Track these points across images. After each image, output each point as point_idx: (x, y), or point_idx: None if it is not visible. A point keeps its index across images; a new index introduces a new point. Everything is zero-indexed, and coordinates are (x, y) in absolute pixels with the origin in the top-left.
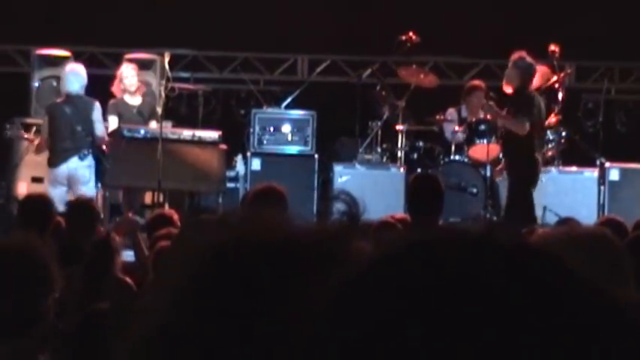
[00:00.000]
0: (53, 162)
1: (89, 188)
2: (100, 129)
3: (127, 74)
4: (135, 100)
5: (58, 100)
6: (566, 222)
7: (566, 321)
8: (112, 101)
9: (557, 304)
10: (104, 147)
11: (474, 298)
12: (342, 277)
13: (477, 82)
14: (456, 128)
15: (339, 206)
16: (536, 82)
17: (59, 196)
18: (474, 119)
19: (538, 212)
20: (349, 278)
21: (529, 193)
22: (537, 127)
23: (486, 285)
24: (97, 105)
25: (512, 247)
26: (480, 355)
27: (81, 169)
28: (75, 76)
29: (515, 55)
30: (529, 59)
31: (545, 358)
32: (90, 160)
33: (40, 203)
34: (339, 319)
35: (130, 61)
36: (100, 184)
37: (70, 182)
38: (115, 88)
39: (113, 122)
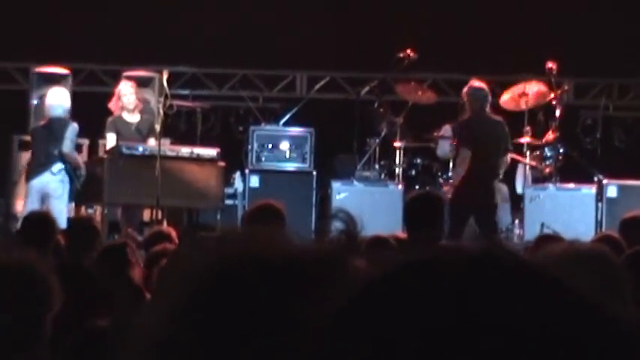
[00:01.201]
0: (28, 177)
1: (61, 202)
2: (67, 145)
3: (126, 92)
4: (133, 118)
5: (41, 123)
6: (545, 239)
7: (565, 339)
8: (110, 118)
9: (556, 323)
10: (78, 165)
11: (473, 317)
12: (340, 297)
13: None
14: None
15: (337, 225)
16: (530, 101)
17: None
18: None
19: (536, 228)
20: (347, 298)
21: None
22: (482, 153)
23: (485, 304)
24: (73, 126)
25: (512, 265)
26: None
27: (52, 182)
28: (58, 102)
29: (466, 86)
30: (477, 84)
31: None
32: (63, 176)
33: (41, 221)
34: (337, 338)
35: (129, 78)
36: (73, 201)
37: (43, 196)
38: (113, 106)
39: (111, 139)
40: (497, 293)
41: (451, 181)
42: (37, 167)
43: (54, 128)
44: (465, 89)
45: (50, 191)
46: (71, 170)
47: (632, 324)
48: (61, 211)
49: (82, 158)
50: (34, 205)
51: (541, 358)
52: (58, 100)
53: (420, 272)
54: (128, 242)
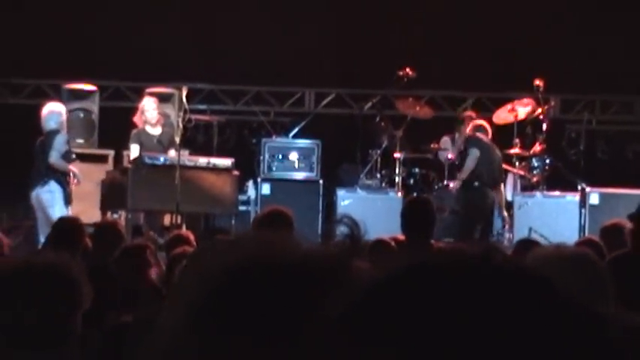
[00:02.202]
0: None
1: (58, 210)
2: (52, 156)
3: (148, 107)
4: (155, 131)
5: (39, 139)
6: (525, 243)
7: (558, 338)
8: (134, 131)
9: (549, 322)
10: (66, 171)
11: (474, 318)
12: (344, 298)
13: (468, 113)
14: (449, 156)
15: (342, 229)
16: (519, 116)
17: (39, 219)
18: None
19: (524, 233)
20: (351, 300)
21: None
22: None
23: (484, 304)
24: (60, 135)
25: (509, 269)
26: None
27: (42, 193)
28: (51, 115)
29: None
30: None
31: None
32: (51, 186)
33: (72, 225)
34: (341, 339)
35: (151, 94)
36: (68, 207)
37: (38, 207)
38: (137, 119)
39: (135, 150)
40: (495, 295)
41: (455, 183)
42: (31, 181)
43: (46, 142)
44: (470, 126)
45: (43, 202)
46: (61, 177)
47: (616, 324)
48: (56, 217)
49: (106, 167)
50: (39, 215)
51: (536, 356)
52: (50, 113)
53: (420, 275)
54: (148, 244)
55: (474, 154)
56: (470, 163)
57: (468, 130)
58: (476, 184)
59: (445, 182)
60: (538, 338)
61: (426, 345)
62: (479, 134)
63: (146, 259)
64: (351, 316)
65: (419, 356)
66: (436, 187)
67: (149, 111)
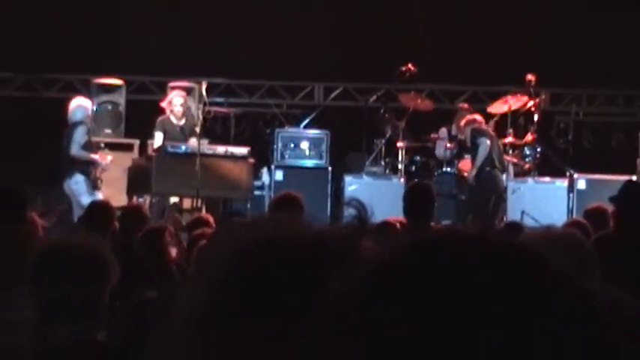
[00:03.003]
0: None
1: (87, 198)
2: (73, 148)
3: (176, 102)
4: (179, 121)
5: (65, 132)
6: (512, 225)
7: (550, 308)
8: (159, 119)
9: (543, 294)
10: (89, 160)
11: (474, 291)
12: (352, 276)
13: (463, 105)
14: (447, 145)
15: (350, 211)
16: (512, 108)
17: (73, 205)
18: (463, 137)
19: (517, 215)
20: (358, 277)
21: None
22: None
23: (484, 279)
24: (80, 127)
25: (504, 246)
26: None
27: (71, 185)
28: (78, 109)
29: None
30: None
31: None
32: (76, 177)
33: (103, 208)
34: (348, 315)
35: (174, 88)
36: (96, 192)
37: (70, 195)
38: (165, 105)
39: (159, 138)
40: (492, 269)
41: (470, 172)
42: (61, 172)
43: (68, 134)
44: (463, 122)
45: (72, 192)
46: (84, 167)
47: (603, 298)
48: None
49: (132, 155)
50: (73, 201)
51: (532, 327)
52: (76, 107)
53: (422, 252)
54: (167, 226)
55: (485, 143)
56: (482, 151)
57: (463, 122)
58: (487, 169)
59: (445, 169)
60: (534, 310)
61: (427, 320)
62: (481, 125)
63: (164, 240)
64: (356, 293)
65: (421, 330)
66: (435, 173)
67: (176, 105)
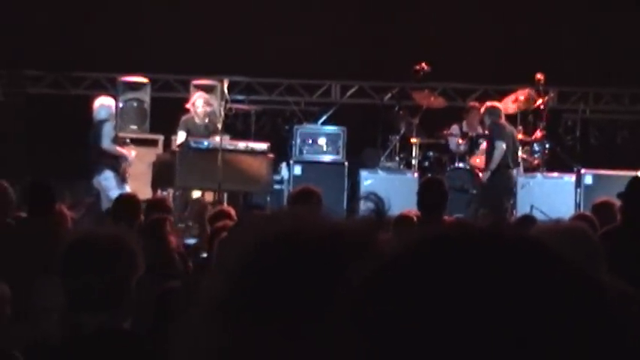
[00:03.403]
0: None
1: (115, 192)
2: (104, 143)
3: (199, 104)
4: (201, 121)
5: (91, 130)
6: (526, 218)
7: (562, 299)
8: (183, 118)
9: (558, 288)
10: (118, 154)
11: (488, 285)
12: (369, 268)
13: (473, 103)
14: (459, 141)
15: (368, 204)
16: (522, 106)
17: (102, 198)
18: (473, 134)
19: (526, 209)
20: (375, 269)
21: None
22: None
23: (498, 273)
24: (107, 123)
25: (517, 240)
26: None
27: (100, 181)
28: (102, 108)
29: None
30: (491, 104)
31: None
32: (105, 173)
33: (130, 201)
34: (366, 306)
35: (197, 86)
36: (125, 185)
37: (100, 189)
38: (189, 106)
39: (181, 136)
40: (505, 261)
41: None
42: (90, 168)
43: (96, 131)
44: (483, 109)
45: (102, 187)
46: (113, 162)
47: (612, 290)
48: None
49: (157, 150)
50: (102, 195)
51: (547, 322)
52: (100, 106)
53: (437, 246)
54: (167, 216)
55: (501, 147)
56: (497, 156)
57: (483, 109)
58: (501, 170)
59: (457, 164)
60: (547, 303)
61: (441, 313)
62: (500, 121)
63: (165, 229)
64: (371, 287)
65: (435, 323)
66: (448, 168)
67: (199, 107)
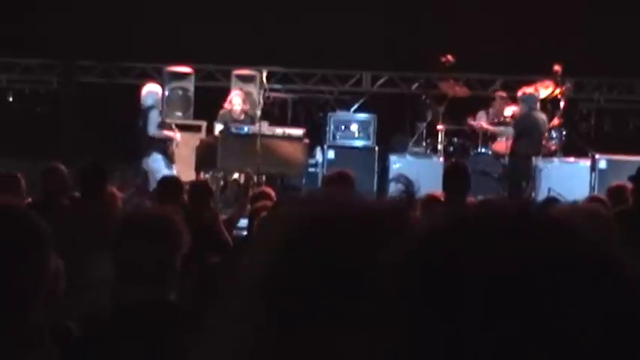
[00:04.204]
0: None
1: (167, 172)
2: (151, 129)
3: (235, 102)
4: (238, 116)
5: (140, 116)
6: (550, 200)
7: (589, 275)
8: (221, 112)
9: (582, 262)
10: (165, 138)
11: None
12: (405, 244)
13: (500, 93)
14: (484, 126)
15: (399, 186)
16: (540, 95)
17: (151, 179)
18: (496, 120)
19: (544, 192)
20: (412, 245)
21: None
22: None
23: (527, 250)
24: (153, 110)
25: (545, 220)
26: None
27: (149, 163)
28: (149, 94)
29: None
30: (529, 90)
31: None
32: (153, 156)
33: (173, 183)
34: (405, 280)
35: (238, 76)
36: (172, 166)
37: (149, 171)
38: (226, 105)
39: (219, 129)
40: (532, 239)
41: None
42: (140, 151)
43: (143, 117)
44: (520, 94)
45: (151, 169)
46: (161, 145)
47: (632, 265)
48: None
49: (200, 136)
50: (150, 177)
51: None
52: (148, 93)
53: (468, 225)
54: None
55: (504, 133)
56: (499, 132)
57: (521, 92)
58: (524, 155)
59: (480, 149)
60: (576, 277)
61: (474, 294)
62: (532, 112)
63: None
64: (405, 265)
65: (467, 304)
66: (471, 153)
67: (235, 105)
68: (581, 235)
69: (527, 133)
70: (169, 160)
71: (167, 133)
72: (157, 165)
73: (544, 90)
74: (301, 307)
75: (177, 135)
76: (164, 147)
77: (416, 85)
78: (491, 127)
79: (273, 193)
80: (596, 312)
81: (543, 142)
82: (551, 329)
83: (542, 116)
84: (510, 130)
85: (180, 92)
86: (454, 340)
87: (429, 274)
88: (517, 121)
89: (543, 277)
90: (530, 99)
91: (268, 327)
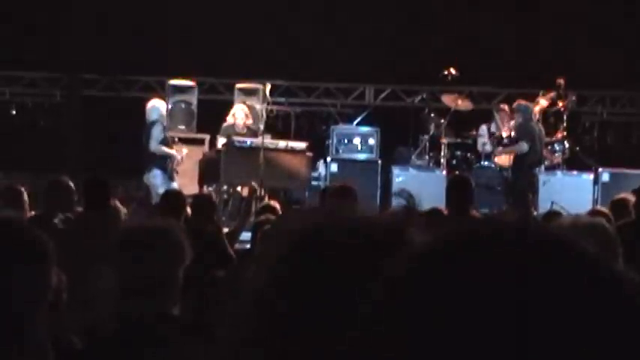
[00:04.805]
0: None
1: (162, 188)
2: (152, 145)
3: (238, 116)
4: (241, 130)
5: (144, 130)
6: (550, 214)
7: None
8: (224, 125)
9: (583, 277)
10: (166, 155)
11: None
12: (403, 261)
13: (503, 105)
14: (485, 141)
15: (400, 200)
16: (544, 108)
17: (153, 194)
18: (499, 134)
19: (547, 205)
20: (409, 264)
21: None
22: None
23: (525, 266)
24: (156, 125)
25: (543, 234)
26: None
27: (150, 178)
28: (153, 109)
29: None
30: (524, 102)
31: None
32: (154, 172)
33: (177, 196)
34: (401, 298)
35: (241, 90)
36: (172, 183)
37: (150, 186)
38: (228, 118)
39: (221, 142)
40: (532, 256)
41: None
42: (143, 165)
43: (147, 132)
44: (515, 105)
45: (151, 185)
46: (162, 161)
47: (632, 281)
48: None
49: (203, 149)
50: (152, 191)
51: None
52: (152, 107)
53: (468, 242)
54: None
55: (522, 146)
56: (517, 151)
57: (516, 104)
58: (527, 167)
59: (483, 162)
60: (574, 295)
61: (474, 309)
62: (529, 122)
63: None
64: (405, 279)
65: (467, 319)
66: (474, 166)
67: (238, 118)
68: (581, 251)
69: (531, 145)
70: (169, 176)
71: (167, 150)
72: (155, 181)
73: (544, 101)
74: (301, 317)
75: (183, 150)
76: (164, 164)
77: (419, 98)
78: (508, 149)
79: (278, 207)
80: (594, 327)
81: (546, 155)
82: (550, 344)
83: (539, 126)
84: (525, 145)
85: (183, 105)
86: (452, 352)
87: (429, 287)
88: (516, 132)
89: (541, 292)
90: (525, 109)
91: (269, 337)
